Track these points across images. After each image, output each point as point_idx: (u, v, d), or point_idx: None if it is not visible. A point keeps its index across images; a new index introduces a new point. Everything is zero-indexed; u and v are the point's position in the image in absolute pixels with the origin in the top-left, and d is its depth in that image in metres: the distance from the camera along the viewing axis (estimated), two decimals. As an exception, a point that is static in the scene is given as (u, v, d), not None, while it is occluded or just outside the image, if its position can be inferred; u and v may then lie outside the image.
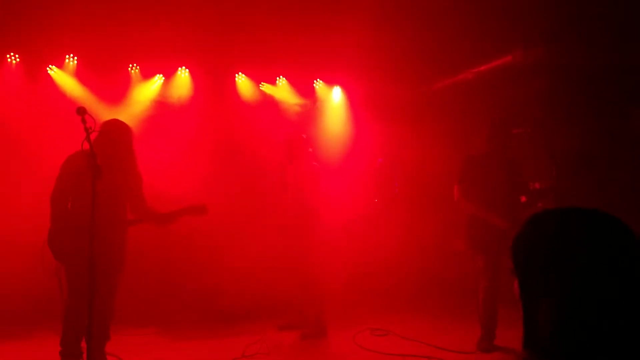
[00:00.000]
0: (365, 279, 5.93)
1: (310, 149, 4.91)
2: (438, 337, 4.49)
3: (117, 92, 5.80)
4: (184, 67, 6.06)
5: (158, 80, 6.03)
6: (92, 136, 2.88)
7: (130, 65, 5.91)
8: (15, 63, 5.52)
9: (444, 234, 6.22)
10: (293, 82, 6.49)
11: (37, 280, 4.69)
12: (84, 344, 3.28)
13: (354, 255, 5.82)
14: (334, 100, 6.69)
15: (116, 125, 3.70)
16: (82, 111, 2.85)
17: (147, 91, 5.97)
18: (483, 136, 4.27)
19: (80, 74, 5.69)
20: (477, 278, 4.28)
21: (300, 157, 4.79)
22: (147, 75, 6.00)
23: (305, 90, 6.56)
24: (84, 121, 2.83)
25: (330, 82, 6.62)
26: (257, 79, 6.39)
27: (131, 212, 3.76)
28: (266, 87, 6.43)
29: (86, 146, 2.84)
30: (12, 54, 5.49)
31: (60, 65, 5.67)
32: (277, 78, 6.44)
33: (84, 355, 3.25)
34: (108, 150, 3.46)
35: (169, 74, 6.06)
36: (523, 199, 4.08)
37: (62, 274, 3.48)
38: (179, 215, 3.74)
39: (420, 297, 5.95)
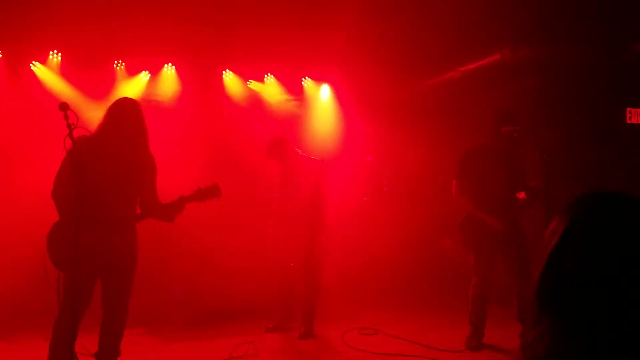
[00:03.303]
0: (354, 278, 5.91)
1: (297, 148, 4.86)
2: (427, 336, 4.48)
3: (102, 88, 5.69)
4: (170, 64, 5.98)
5: (144, 77, 5.94)
6: (76, 132, 2.79)
7: (116, 62, 5.81)
8: (-3, 59, 5.41)
9: (433, 232, 6.22)
10: (281, 80, 6.44)
11: (23, 279, 4.63)
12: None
13: (342, 253, 5.79)
14: (322, 98, 6.65)
15: (121, 103, 3.25)
16: (64, 107, 2.76)
17: (132, 88, 5.88)
18: (484, 130, 4.24)
19: (64, 70, 5.58)
20: (468, 276, 4.27)
21: (291, 156, 4.72)
22: (132, 72, 5.90)
23: (293, 87, 6.51)
24: (66, 117, 2.75)
25: (318, 79, 6.58)
26: (244, 76, 6.32)
27: (139, 208, 3.31)
28: (254, 85, 6.37)
29: (68, 143, 2.76)
30: (-7, 49, 5.38)
31: (43, 61, 5.56)
32: (265, 75, 6.38)
33: None
34: (113, 133, 3.11)
35: (155, 71, 5.98)
36: (521, 195, 4.06)
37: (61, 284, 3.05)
38: (186, 202, 3.23)
39: (410, 295, 5.94)
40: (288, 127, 6.03)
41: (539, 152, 3.98)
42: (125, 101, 3.33)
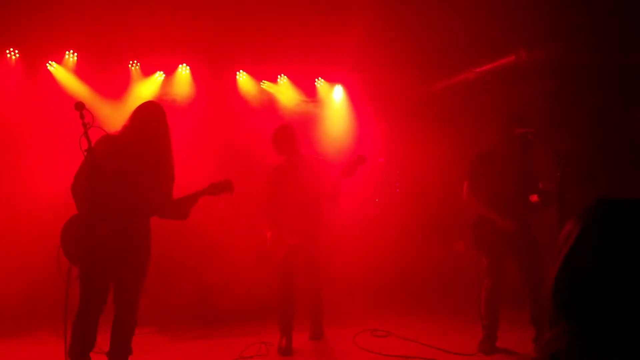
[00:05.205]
0: (365, 279, 5.89)
1: (302, 143, 4.60)
2: (439, 339, 4.45)
3: (117, 88, 5.76)
4: (184, 65, 6.02)
5: (158, 77, 5.99)
6: (91, 131, 2.83)
7: (131, 62, 5.87)
8: (15, 59, 5.48)
9: (445, 234, 6.18)
10: (294, 81, 6.45)
11: (38, 277, 4.68)
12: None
13: (354, 254, 5.77)
14: (335, 99, 6.65)
15: (145, 107, 3.33)
16: (80, 106, 2.80)
17: (147, 88, 5.93)
18: (495, 133, 4.20)
19: (80, 70, 5.65)
20: (479, 278, 4.24)
21: (295, 150, 4.41)
22: (147, 72, 5.96)
23: (306, 88, 6.52)
24: (82, 116, 2.79)
25: (331, 80, 6.58)
26: (258, 77, 6.35)
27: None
28: (267, 85, 6.39)
29: (84, 142, 2.79)
30: (11, 49, 5.45)
31: (59, 61, 5.63)
32: (279, 76, 6.40)
33: None
34: (135, 135, 3.20)
35: (169, 71, 6.02)
36: (534, 198, 4.01)
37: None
38: (200, 196, 3.31)
39: (421, 298, 5.90)
40: (300, 127, 6.03)
41: (554, 154, 3.94)
42: (152, 105, 3.39)
